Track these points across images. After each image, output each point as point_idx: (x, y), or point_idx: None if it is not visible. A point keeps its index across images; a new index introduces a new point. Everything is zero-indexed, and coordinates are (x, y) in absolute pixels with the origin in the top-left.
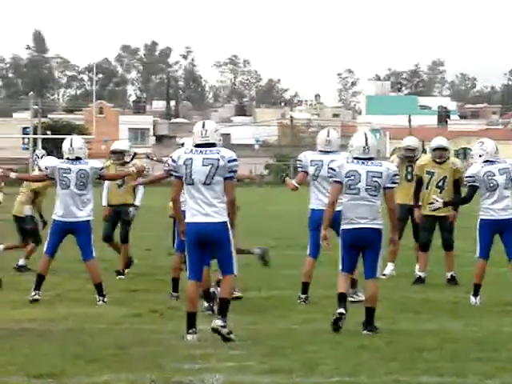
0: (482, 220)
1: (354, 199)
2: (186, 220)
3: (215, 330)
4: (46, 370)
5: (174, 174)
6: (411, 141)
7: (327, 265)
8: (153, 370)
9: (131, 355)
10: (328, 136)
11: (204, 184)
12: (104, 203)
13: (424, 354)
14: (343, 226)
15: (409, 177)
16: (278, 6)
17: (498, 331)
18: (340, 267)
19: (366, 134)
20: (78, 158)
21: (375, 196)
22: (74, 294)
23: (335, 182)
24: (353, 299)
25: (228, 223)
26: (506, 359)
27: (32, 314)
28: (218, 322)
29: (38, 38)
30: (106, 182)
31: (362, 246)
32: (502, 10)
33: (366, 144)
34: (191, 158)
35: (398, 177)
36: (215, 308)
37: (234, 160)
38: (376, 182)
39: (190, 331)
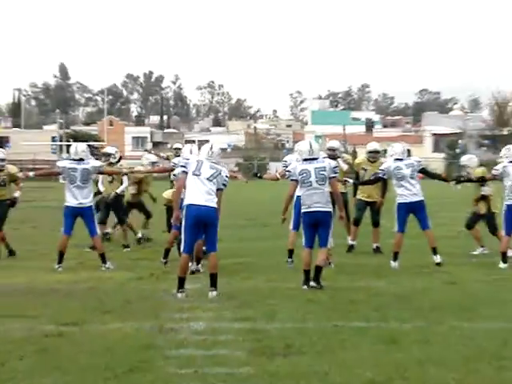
0: (398, 203)
1: (308, 190)
2: (188, 202)
3: (211, 301)
4: (70, 320)
5: (184, 169)
6: (374, 145)
7: (285, 238)
8: (152, 319)
9: (135, 308)
10: (311, 147)
11: (207, 179)
12: (102, 189)
13: (356, 305)
14: (303, 211)
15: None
16: (246, 44)
17: (412, 287)
18: (303, 243)
19: (310, 141)
20: (81, 159)
21: (323, 185)
22: (92, 262)
23: (292, 180)
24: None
25: (217, 210)
26: (418, 308)
27: (59, 277)
28: (213, 294)
29: (63, 69)
30: (101, 176)
31: (317, 225)
32: (416, 43)
33: (311, 148)
34: (202, 161)
35: (337, 168)
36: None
37: (227, 177)
38: (322, 174)
39: (180, 290)
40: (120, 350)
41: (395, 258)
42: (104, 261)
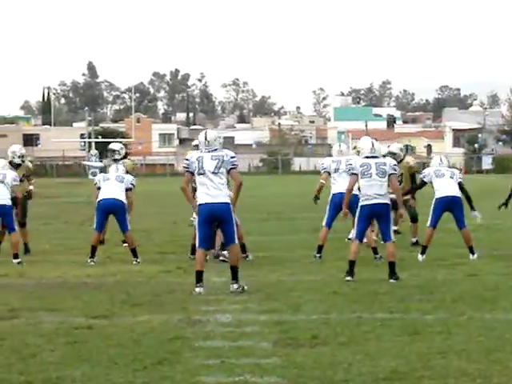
0: (435, 199)
1: (368, 181)
2: (200, 202)
3: (233, 292)
4: (100, 313)
5: (188, 169)
6: (395, 148)
7: (308, 232)
8: (179, 311)
9: (163, 301)
10: (373, 146)
11: (213, 173)
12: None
13: (379, 297)
14: (362, 203)
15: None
16: (270, 42)
17: (433, 279)
18: (354, 236)
19: (372, 140)
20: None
21: (383, 178)
22: (120, 256)
23: (352, 174)
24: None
25: (231, 204)
26: (440, 300)
27: (89, 271)
28: (234, 287)
29: (91, 67)
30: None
31: (375, 218)
32: (436, 40)
33: (373, 146)
34: (202, 156)
35: (397, 166)
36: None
37: (233, 157)
38: (383, 168)
39: (198, 285)
40: (148, 342)
41: (423, 252)
42: (135, 255)
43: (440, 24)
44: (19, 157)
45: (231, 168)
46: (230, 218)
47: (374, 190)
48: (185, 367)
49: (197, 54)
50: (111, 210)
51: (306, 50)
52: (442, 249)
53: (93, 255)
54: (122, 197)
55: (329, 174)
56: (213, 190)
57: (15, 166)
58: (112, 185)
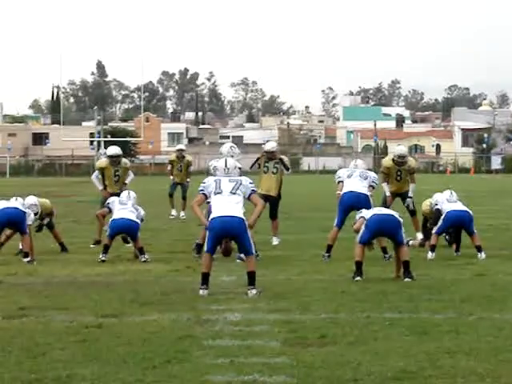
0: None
1: None
2: (212, 216)
3: (249, 297)
4: (110, 312)
5: (202, 191)
6: (402, 150)
7: (317, 231)
8: (189, 310)
9: (172, 300)
10: (356, 162)
11: (230, 192)
12: (101, 187)
13: (388, 297)
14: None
15: (398, 178)
16: (279, 42)
17: (442, 279)
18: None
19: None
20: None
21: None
22: (129, 255)
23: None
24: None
25: (245, 219)
26: (449, 300)
27: (98, 270)
28: (252, 292)
29: (100, 66)
30: (99, 175)
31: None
32: (445, 40)
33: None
34: (219, 179)
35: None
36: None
37: (252, 182)
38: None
39: (202, 287)
40: (157, 340)
41: (432, 250)
42: (142, 252)
43: (449, 23)
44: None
45: (250, 193)
46: (243, 232)
47: None
48: (194, 366)
49: (206, 53)
50: (125, 230)
51: (314, 49)
52: (450, 249)
53: (105, 251)
54: (134, 218)
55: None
56: (228, 205)
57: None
58: (127, 210)
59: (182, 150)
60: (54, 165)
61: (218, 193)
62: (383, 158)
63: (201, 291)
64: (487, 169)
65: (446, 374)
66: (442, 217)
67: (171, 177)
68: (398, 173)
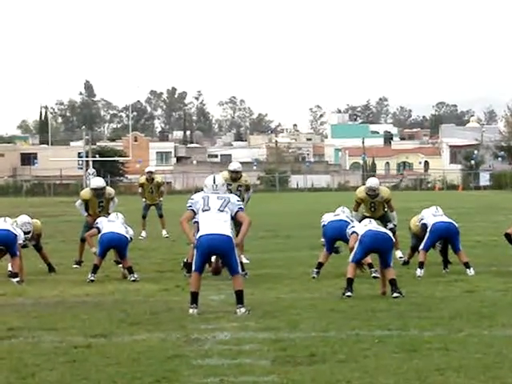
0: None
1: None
2: (200, 234)
3: (236, 312)
4: (99, 332)
5: (190, 207)
6: (373, 183)
7: (306, 249)
8: (178, 330)
9: (161, 319)
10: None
11: (218, 210)
12: (85, 214)
13: (377, 314)
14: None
15: (372, 209)
16: (266, 60)
17: (431, 296)
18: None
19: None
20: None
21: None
22: (118, 274)
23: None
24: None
25: (233, 237)
26: (438, 317)
27: (87, 290)
28: (241, 311)
29: (88, 86)
30: (82, 204)
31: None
32: (432, 57)
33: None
34: (208, 196)
35: None
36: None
37: (239, 200)
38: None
39: (192, 306)
40: (147, 360)
41: (421, 267)
42: (131, 272)
43: (436, 41)
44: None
45: (237, 211)
46: (230, 250)
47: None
48: None
49: (193, 73)
50: (114, 243)
51: (302, 67)
52: (439, 266)
53: (94, 271)
54: (125, 233)
55: None
56: (216, 222)
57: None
58: (116, 225)
59: (151, 172)
60: (43, 185)
61: (206, 210)
62: (373, 175)
63: (190, 310)
64: (475, 185)
65: None
66: (429, 229)
67: (143, 199)
68: (372, 204)
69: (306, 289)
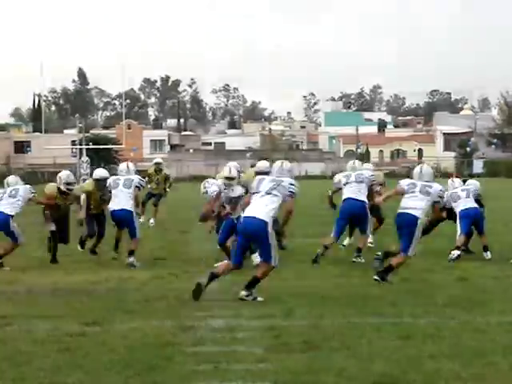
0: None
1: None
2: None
3: (241, 299)
4: (92, 319)
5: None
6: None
7: (301, 237)
8: (171, 317)
9: (155, 307)
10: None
11: (266, 192)
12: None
13: (371, 302)
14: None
15: None
16: (259, 47)
17: (425, 283)
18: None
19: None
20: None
21: None
22: (112, 262)
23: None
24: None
25: (268, 222)
26: (431, 304)
27: (81, 278)
28: (243, 293)
29: (81, 74)
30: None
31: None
32: (426, 44)
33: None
34: (264, 178)
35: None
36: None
37: (292, 184)
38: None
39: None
40: (140, 348)
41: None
42: (131, 254)
43: (430, 28)
44: (67, 184)
45: (288, 195)
46: (262, 234)
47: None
48: (177, 373)
49: (187, 61)
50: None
51: (295, 54)
52: (434, 253)
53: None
54: (129, 205)
55: (340, 189)
56: (257, 206)
57: (63, 193)
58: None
59: (159, 163)
60: (36, 173)
61: (256, 192)
62: (365, 162)
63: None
64: (469, 173)
65: (430, 378)
66: (458, 216)
67: (148, 185)
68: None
69: (300, 276)
